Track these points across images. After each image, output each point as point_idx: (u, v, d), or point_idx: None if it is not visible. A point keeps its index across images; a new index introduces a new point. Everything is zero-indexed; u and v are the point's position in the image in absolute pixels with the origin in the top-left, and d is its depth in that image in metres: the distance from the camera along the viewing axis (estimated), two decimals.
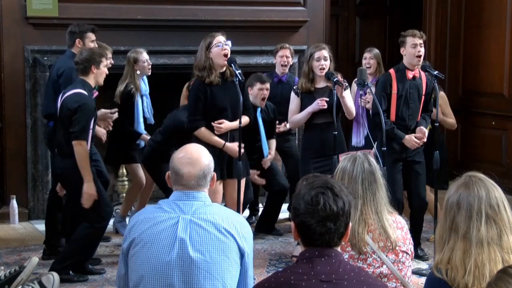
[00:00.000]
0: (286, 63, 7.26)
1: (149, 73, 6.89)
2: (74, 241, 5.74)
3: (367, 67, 7.04)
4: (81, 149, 5.54)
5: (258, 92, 6.71)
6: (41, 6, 7.38)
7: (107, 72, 5.85)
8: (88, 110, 5.57)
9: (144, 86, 6.89)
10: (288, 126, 6.71)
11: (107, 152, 6.94)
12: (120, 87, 6.78)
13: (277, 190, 7.12)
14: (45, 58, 7.40)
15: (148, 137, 6.82)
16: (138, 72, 6.80)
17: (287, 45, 7.28)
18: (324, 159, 6.02)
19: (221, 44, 5.64)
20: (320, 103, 6.00)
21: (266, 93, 6.78)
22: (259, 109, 6.76)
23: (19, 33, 7.42)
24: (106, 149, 7.00)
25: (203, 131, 5.69)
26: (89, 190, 5.54)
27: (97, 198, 5.60)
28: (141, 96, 6.82)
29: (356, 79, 6.80)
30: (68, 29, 6.39)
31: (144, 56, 6.81)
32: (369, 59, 7.21)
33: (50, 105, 6.19)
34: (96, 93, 5.91)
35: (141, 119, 6.80)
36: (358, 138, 7.01)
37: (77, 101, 5.56)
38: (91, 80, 5.73)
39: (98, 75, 5.74)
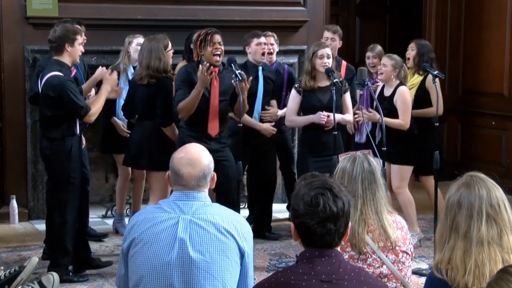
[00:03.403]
0: (272, 50, 7.01)
1: None
2: (55, 237, 5.69)
3: (371, 67, 6.97)
4: (96, 111, 5.56)
5: (256, 48, 6.65)
6: (41, 6, 7.37)
7: (82, 49, 5.68)
8: (69, 87, 5.44)
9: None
10: (286, 123, 6.51)
11: (102, 140, 6.89)
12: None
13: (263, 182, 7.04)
14: None
15: (120, 124, 6.67)
16: (130, 55, 6.73)
17: (270, 33, 7.09)
18: (323, 159, 5.97)
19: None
20: (322, 117, 5.98)
21: (265, 47, 6.72)
22: (260, 68, 6.66)
23: (19, 33, 7.41)
24: (102, 137, 6.96)
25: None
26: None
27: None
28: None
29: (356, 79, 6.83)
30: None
31: (139, 40, 6.68)
32: (372, 58, 7.05)
33: None
34: (74, 71, 5.72)
35: (122, 102, 6.51)
36: (360, 135, 6.99)
37: (55, 85, 5.44)
38: (66, 59, 5.55)
39: (73, 53, 5.55)
